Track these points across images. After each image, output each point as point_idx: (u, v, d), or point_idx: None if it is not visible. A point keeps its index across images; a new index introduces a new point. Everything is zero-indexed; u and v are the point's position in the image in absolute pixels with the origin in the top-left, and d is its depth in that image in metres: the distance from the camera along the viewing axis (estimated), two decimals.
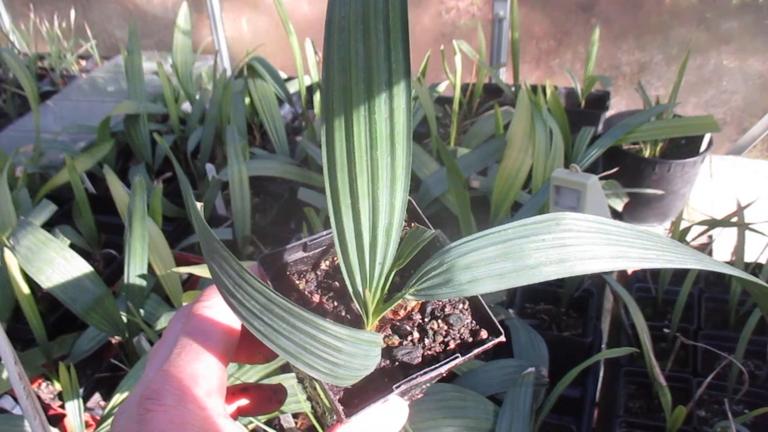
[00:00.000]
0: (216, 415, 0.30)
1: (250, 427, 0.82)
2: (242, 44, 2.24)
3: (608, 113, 1.66)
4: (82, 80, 2.20)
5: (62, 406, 1.04)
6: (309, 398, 0.40)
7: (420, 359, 0.33)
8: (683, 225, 1.14)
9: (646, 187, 1.40)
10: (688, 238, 1.15)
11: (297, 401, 0.78)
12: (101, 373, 1.07)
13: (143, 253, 1.01)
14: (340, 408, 0.30)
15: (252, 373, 0.81)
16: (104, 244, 1.39)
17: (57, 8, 2.46)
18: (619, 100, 2.00)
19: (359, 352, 0.29)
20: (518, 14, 1.55)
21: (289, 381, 0.79)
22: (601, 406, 1.04)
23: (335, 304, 0.36)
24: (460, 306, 0.36)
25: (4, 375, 0.98)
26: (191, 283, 1.25)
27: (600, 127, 1.59)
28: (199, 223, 0.26)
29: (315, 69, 1.67)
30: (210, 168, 1.39)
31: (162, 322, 1.01)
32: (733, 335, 1.01)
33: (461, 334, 0.34)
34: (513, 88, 1.64)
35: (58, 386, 1.09)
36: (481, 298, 0.35)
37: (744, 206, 1.06)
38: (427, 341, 0.34)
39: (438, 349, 0.34)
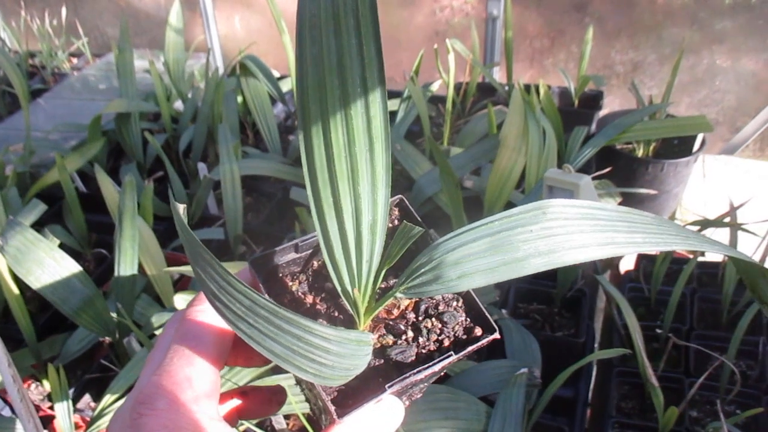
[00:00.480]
0: (208, 418, 0.30)
1: (242, 428, 0.81)
2: (235, 43, 2.23)
3: (601, 113, 1.66)
4: (74, 78, 2.18)
5: (52, 408, 1.03)
6: (307, 400, 0.40)
7: (414, 358, 0.33)
8: None
9: (639, 187, 1.40)
10: None
11: (288, 402, 0.78)
12: (91, 374, 1.06)
13: (133, 253, 1.00)
14: (332, 408, 0.30)
15: (243, 375, 0.81)
16: (95, 243, 1.38)
17: (48, 5, 2.44)
18: (613, 99, 2.00)
19: (347, 352, 0.29)
20: (512, 13, 1.54)
21: (282, 382, 0.78)
22: (593, 407, 1.04)
23: (328, 304, 0.36)
24: (454, 303, 0.36)
25: None
26: (183, 284, 1.24)
27: (593, 127, 1.59)
28: (181, 226, 0.26)
29: None
30: (202, 167, 1.38)
31: (153, 323, 1.01)
32: (725, 335, 1.01)
33: (455, 332, 0.34)
34: (506, 88, 1.64)
35: (47, 387, 1.08)
36: (474, 294, 0.35)
37: (737, 206, 1.06)
38: (421, 340, 0.34)
39: (432, 347, 0.34)
